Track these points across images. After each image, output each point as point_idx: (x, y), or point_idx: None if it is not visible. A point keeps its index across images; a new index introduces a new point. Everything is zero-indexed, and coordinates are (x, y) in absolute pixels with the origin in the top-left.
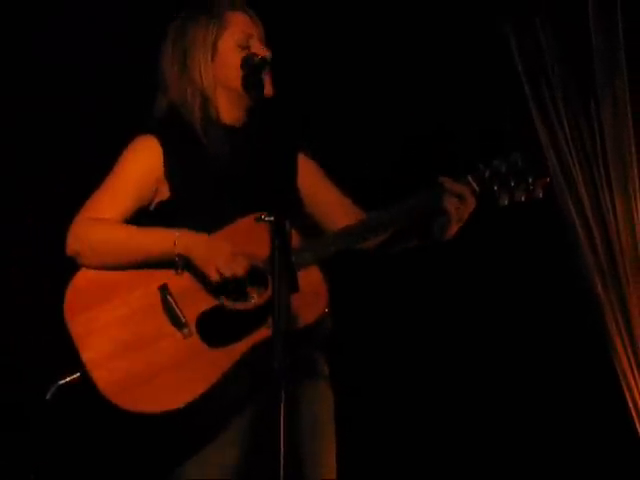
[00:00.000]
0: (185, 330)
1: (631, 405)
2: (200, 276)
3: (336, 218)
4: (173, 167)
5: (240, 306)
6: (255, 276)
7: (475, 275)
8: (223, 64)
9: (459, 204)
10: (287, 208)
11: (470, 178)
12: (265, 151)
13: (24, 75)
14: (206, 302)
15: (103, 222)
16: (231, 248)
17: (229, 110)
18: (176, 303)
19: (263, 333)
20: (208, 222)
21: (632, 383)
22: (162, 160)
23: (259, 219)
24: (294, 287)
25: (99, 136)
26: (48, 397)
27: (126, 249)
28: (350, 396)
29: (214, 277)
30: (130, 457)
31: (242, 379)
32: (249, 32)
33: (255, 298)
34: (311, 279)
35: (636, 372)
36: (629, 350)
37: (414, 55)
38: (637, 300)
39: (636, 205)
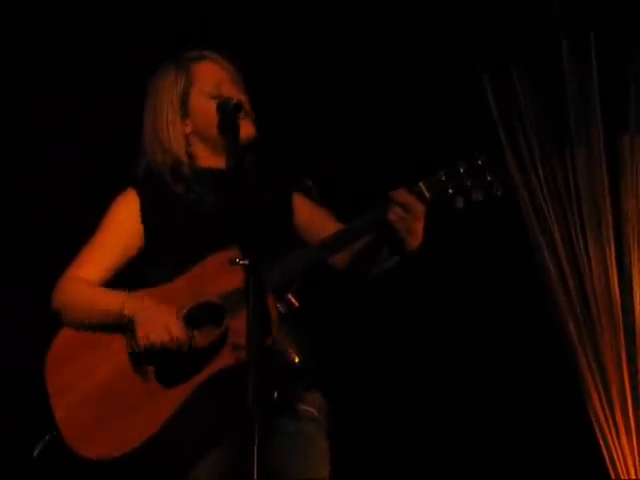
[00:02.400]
0: (144, 374)
1: (603, 447)
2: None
3: None
4: (149, 215)
5: (198, 343)
6: (211, 312)
7: (449, 321)
8: (198, 118)
9: (404, 214)
10: (262, 251)
11: (421, 184)
12: (248, 193)
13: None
14: None
15: (77, 283)
16: (166, 318)
17: (212, 156)
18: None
19: (213, 368)
20: (178, 266)
21: (605, 429)
22: (139, 210)
23: (234, 262)
24: (268, 328)
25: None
26: (35, 454)
27: (89, 312)
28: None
29: (140, 342)
30: None
31: (200, 413)
32: (218, 80)
33: (208, 335)
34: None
35: (609, 417)
36: (602, 394)
37: (390, 99)
38: (610, 344)
39: (610, 250)
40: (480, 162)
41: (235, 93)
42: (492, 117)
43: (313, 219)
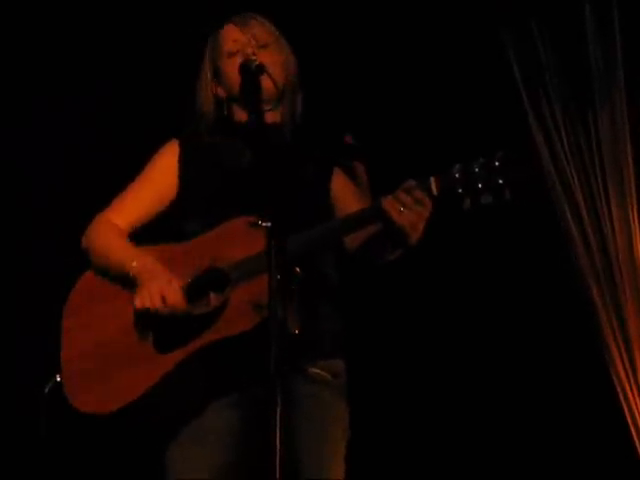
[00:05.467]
0: (142, 335)
1: (627, 411)
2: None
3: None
4: (186, 169)
5: (197, 310)
6: (216, 279)
7: (471, 283)
8: (224, 80)
9: (404, 208)
10: (284, 214)
11: (432, 180)
12: (272, 152)
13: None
14: None
15: (106, 226)
16: (163, 285)
17: (244, 116)
18: None
19: (209, 337)
20: (212, 222)
21: (627, 389)
22: (178, 162)
23: (255, 225)
24: (289, 292)
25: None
26: (46, 391)
27: (106, 258)
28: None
29: (136, 304)
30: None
31: (191, 381)
32: (235, 37)
33: (211, 302)
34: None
35: (632, 378)
36: (625, 357)
37: (411, 63)
38: (633, 307)
39: (633, 214)
40: (497, 163)
41: (250, 52)
42: (515, 82)
43: (343, 198)
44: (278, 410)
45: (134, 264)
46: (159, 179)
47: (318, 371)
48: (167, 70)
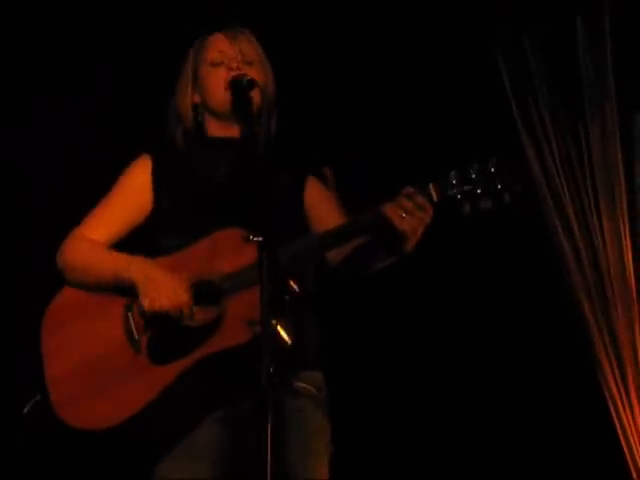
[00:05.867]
0: (136, 347)
1: (618, 426)
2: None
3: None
4: (160, 183)
5: (192, 323)
6: (209, 292)
7: (462, 298)
8: (202, 88)
9: (406, 214)
10: (273, 228)
11: (431, 186)
12: (257, 167)
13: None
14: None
15: (85, 242)
16: (173, 282)
17: (223, 126)
18: (134, 321)
19: (207, 349)
20: (189, 235)
21: (619, 404)
22: (151, 176)
23: (247, 239)
24: (279, 307)
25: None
26: (25, 411)
27: (94, 270)
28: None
29: (145, 306)
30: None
31: (188, 394)
32: (222, 49)
33: (204, 315)
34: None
35: (623, 393)
36: (616, 372)
37: (402, 74)
38: (624, 322)
39: (624, 228)
40: (492, 169)
41: (234, 66)
42: (505, 93)
43: (320, 206)
44: (269, 423)
45: (132, 267)
46: (131, 196)
47: (304, 385)
48: (167, 70)
